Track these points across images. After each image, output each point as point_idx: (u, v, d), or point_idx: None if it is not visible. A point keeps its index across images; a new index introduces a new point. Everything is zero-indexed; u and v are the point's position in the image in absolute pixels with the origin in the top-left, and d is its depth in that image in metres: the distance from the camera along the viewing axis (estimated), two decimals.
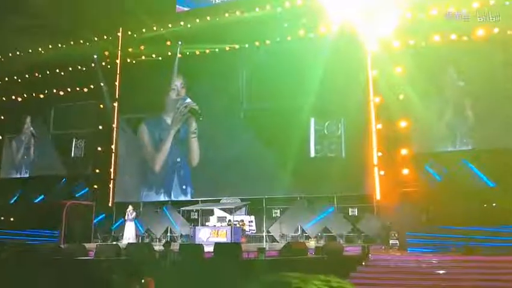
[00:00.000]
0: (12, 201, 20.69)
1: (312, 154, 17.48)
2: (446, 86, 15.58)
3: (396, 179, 14.73)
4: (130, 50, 20.05)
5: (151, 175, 19.84)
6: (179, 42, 19.27)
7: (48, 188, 20.27)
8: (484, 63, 14.83)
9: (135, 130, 20.54)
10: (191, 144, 19.73)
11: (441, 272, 9.96)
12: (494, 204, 13.11)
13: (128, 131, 20.70)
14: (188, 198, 18.55)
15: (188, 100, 19.76)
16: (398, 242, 13.14)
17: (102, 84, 20.29)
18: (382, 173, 15.40)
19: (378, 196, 15.30)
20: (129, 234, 16.20)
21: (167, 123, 20.38)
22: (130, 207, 16.76)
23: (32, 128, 22.10)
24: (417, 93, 15.08)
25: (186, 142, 19.79)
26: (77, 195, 19.38)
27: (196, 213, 17.79)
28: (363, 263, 10.79)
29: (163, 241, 15.14)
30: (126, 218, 16.59)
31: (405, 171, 14.83)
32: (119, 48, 20.23)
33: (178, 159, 19.84)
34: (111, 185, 19.16)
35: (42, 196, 20.45)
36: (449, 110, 15.48)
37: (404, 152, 15.13)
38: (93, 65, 20.45)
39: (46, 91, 21.27)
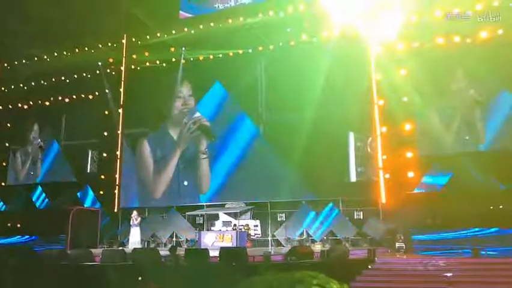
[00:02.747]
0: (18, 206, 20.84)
1: (353, 179, 15.92)
2: (452, 91, 15.46)
3: (402, 182, 14.66)
4: (134, 56, 20.21)
5: (152, 201, 18.59)
6: (183, 48, 19.37)
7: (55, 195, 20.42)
8: (493, 67, 14.70)
9: (134, 147, 19.44)
10: (201, 167, 17.77)
11: (448, 274, 9.89)
12: (500, 207, 13.01)
13: (127, 149, 19.54)
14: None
15: (198, 114, 18.01)
16: (404, 245, 13.08)
17: (107, 91, 20.42)
18: (387, 176, 15.35)
19: (383, 199, 15.25)
20: (134, 239, 16.22)
21: (172, 139, 18.62)
22: (135, 213, 16.79)
23: (39, 140, 21.64)
24: (422, 96, 15.06)
25: (195, 163, 17.97)
26: (84, 203, 19.49)
27: (201, 218, 17.78)
28: (369, 267, 10.74)
29: (169, 246, 15.15)
30: (131, 223, 16.62)
31: (411, 174, 14.78)
32: (124, 55, 20.40)
33: (185, 183, 18.12)
34: (116, 191, 19.22)
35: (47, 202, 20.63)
36: (457, 118, 15.25)
37: (409, 154, 15.09)
38: (98, 71, 20.63)
39: (52, 98, 21.45)
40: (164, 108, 19.33)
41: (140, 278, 9.26)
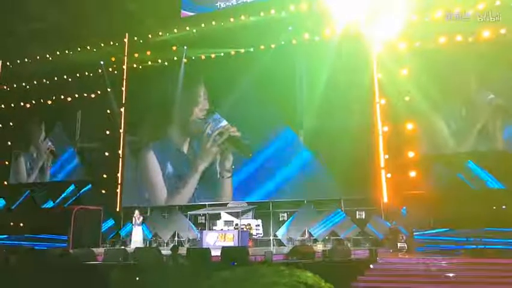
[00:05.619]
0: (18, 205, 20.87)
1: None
2: (458, 95, 15.28)
3: (403, 182, 14.63)
4: (136, 55, 20.23)
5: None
6: (185, 47, 19.35)
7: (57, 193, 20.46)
8: (496, 65, 14.56)
9: (136, 157, 18.61)
10: (223, 187, 16.03)
11: (450, 275, 9.87)
12: (503, 207, 12.97)
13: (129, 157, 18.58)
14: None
15: (224, 123, 15.82)
16: (406, 245, 13.06)
17: (109, 90, 20.45)
18: (389, 175, 15.32)
19: (385, 199, 15.23)
20: (136, 238, 16.26)
21: (190, 153, 16.73)
22: (137, 212, 16.80)
23: (50, 143, 21.22)
24: (424, 95, 15.00)
25: (215, 183, 16.19)
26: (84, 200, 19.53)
27: (203, 218, 17.77)
28: (371, 266, 10.72)
29: (171, 245, 15.16)
30: (133, 222, 16.64)
31: (413, 173, 14.74)
32: (126, 54, 20.42)
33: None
34: (119, 190, 19.25)
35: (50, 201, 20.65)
36: (476, 126, 14.94)
37: (410, 154, 15.05)
38: (100, 70, 20.66)
39: (54, 97, 21.49)
40: (170, 112, 18.41)
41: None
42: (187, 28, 19.33)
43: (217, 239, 15.09)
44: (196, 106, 18.07)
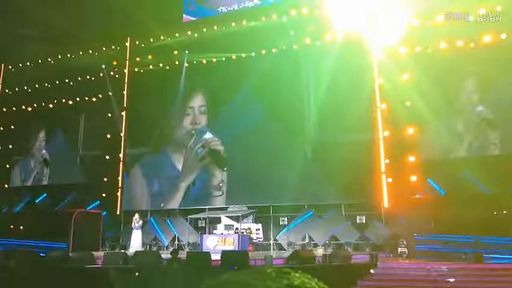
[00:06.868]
0: (19, 208, 20.85)
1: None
2: (460, 102, 15.28)
3: (404, 187, 14.60)
4: (137, 59, 20.29)
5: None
6: (186, 52, 19.41)
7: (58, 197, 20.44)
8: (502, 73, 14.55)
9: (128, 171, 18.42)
10: (214, 204, 15.59)
11: (451, 280, 9.83)
12: (504, 212, 12.93)
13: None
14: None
15: (209, 135, 15.26)
16: (406, 250, 13.02)
17: (110, 93, 20.50)
18: (390, 180, 15.30)
19: (386, 204, 15.19)
20: (136, 242, 16.22)
21: (175, 166, 16.30)
22: (137, 216, 16.77)
23: (44, 151, 21.15)
24: (425, 100, 15.00)
25: (205, 201, 15.83)
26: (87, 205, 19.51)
27: (203, 221, 17.74)
28: (372, 271, 10.69)
29: (171, 249, 15.12)
30: (133, 226, 16.61)
31: (413, 178, 14.72)
32: (127, 58, 20.49)
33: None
34: (119, 194, 19.24)
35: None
36: (468, 136, 14.95)
37: (411, 159, 15.04)
38: (101, 74, 20.72)
39: (55, 101, 21.54)
40: (166, 123, 18.30)
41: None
42: (189, 32, 19.40)
43: (217, 243, 15.06)
44: (188, 116, 18.06)
